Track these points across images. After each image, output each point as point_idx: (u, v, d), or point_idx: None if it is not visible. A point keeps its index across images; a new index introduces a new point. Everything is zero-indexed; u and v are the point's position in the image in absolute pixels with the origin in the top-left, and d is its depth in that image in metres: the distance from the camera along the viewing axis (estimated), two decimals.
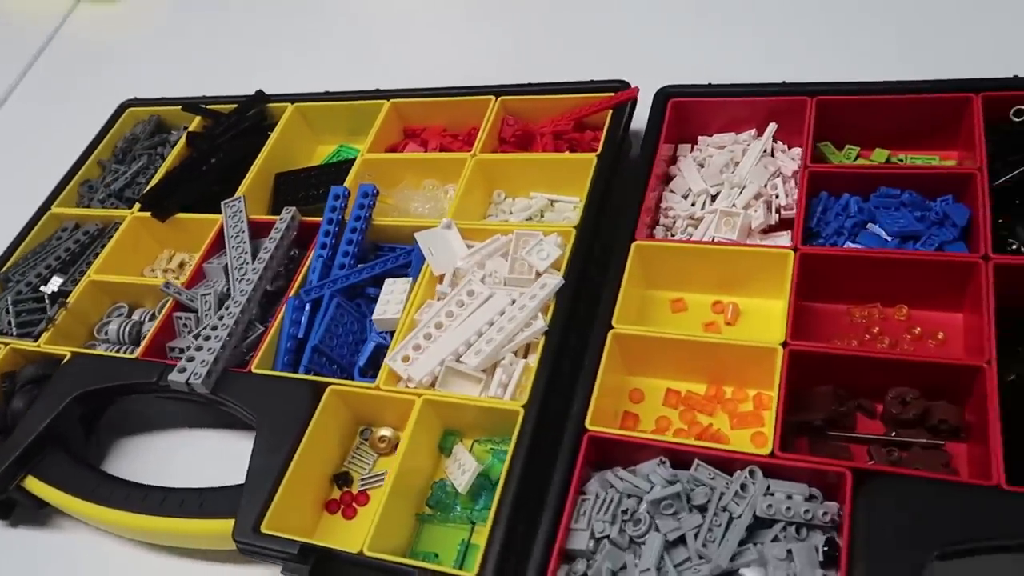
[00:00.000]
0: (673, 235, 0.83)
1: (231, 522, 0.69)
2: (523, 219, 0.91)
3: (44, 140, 1.36)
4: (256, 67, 1.30)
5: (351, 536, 0.68)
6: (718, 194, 0.84)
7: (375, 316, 0.81)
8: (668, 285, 0.81)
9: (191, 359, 0.79)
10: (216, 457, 0.84)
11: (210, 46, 1.43)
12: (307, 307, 0.83)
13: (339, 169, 1.00)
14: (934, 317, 0.72)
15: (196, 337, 0.83)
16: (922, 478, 0.57)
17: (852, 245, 0.75)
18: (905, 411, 0.65)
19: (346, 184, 0.93)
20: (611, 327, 0.72)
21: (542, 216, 0.91)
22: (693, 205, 0.84)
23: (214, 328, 0.82)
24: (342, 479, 0.76)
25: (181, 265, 1.03)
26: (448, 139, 1.01)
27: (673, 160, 0.90)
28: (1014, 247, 0.68)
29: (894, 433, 0.66)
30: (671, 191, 0.86)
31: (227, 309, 0.83)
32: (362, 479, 0.77)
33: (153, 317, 0.95)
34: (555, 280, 0.76)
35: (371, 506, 0.74)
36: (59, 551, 0.83)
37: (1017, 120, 0.75)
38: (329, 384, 0.76)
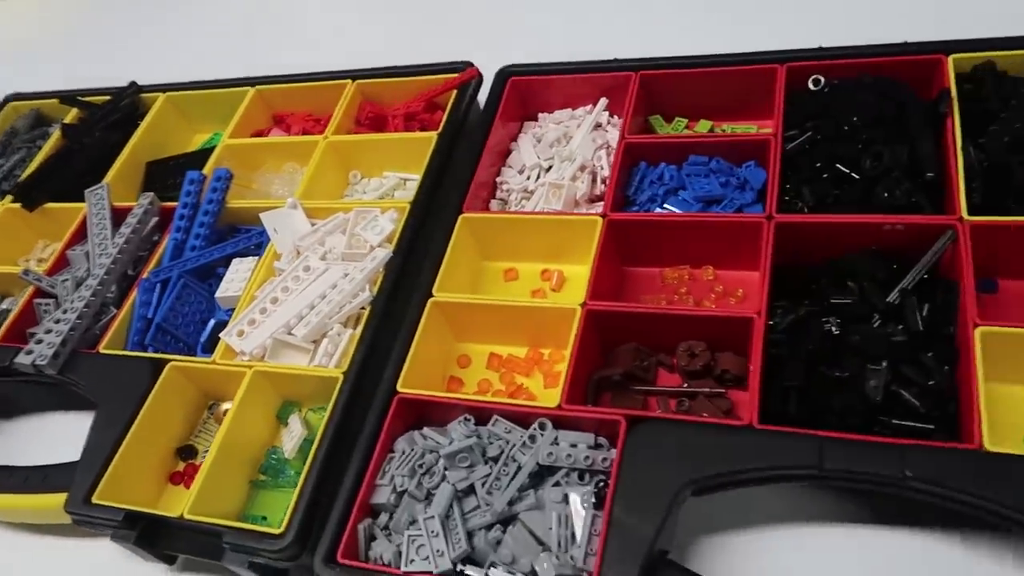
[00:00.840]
0: (509, 208, 0.87)
1: (59, 496, 0.72)
2: (376, 197, 0.94)
3: None
4: (134, 58, 1.32)
5: (183, 506, 0.71)
6: (551, 167, 0.87)
7: (218, 294, 0.83)
8: (500, 256, 0.84)
9: (39, 341, 0.82)
10: (73, 438, 0.87)
11: (90, 38, 1.45)
12: (157, 288, 0.86)
13: (204, 156, 1.03)
14: (736, 276, 0.77)
15: (56, 321, 0.85)
16: (680, 421, 0.62)
17: (661, 210, 0.79)
18: (693, 363, 0.69)
19: (206, 169, 0.96)
20: (431, 295, 0.76)
21: (393, 194, 0.94)
22: (527, 178, 0.88)
23: (64, 312, 0.84)
24: (186, 452, 0.79)
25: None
26: (311, 123, 1.04)
27: (516, 137, 0.93)
28: (799, 206, 0.73)
29: (686, 384, 0.70)
30: (508, 166, 0.90)
31: (78, 293, 0.86)
32: (205, 451, 0.79)
33: None
34: (383, 253, 0.79)
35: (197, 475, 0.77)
36: None
37: (815, 88, 0.79)
38: (170, 361, 0.78)
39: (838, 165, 0.73)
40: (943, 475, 0.53)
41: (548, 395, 0.73)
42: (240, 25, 1.37)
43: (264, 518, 0.73)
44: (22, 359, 0.80)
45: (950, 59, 0.75)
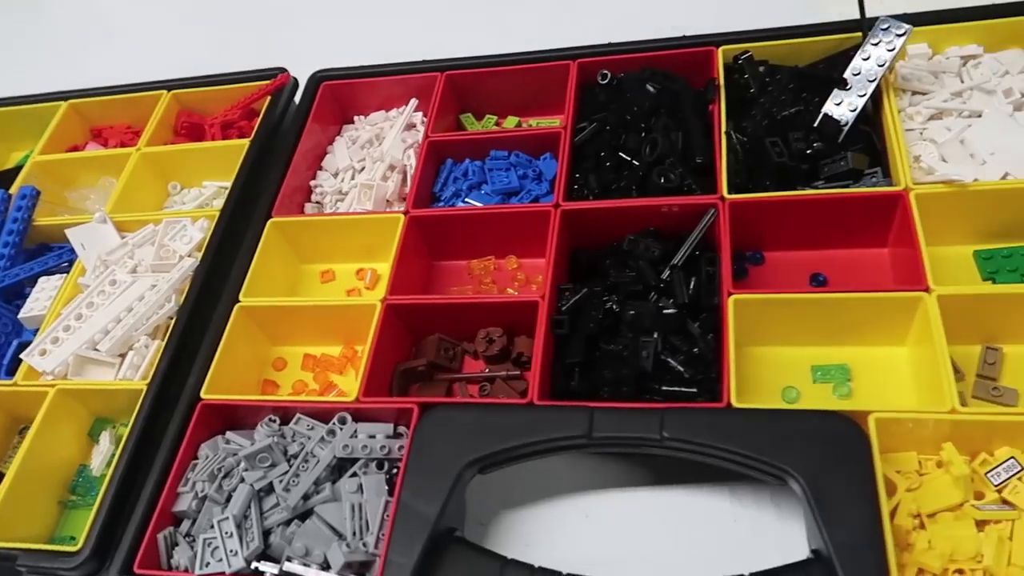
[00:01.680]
0: (324, 211, 0.88)
1: None
2: (196, 207, 0.93)
3: None
4: None
5: None
6: (364, 168, 0.89)
7: (21, 314, 0.81)
8: (317, 258, 0.86)
9: None
10: None
11: None
12: None
13: (15, 174, 0.99)
14: (537, 264, 0.80)
15: None
16: (465, 404, 0.65)
17: (463, 205, 0.81)
18: (491, 348, 0.72)
19: (13, 188, 0.93)
20: (238, 301, 0.76)
21: (213, 203, 0.94)
22: (342, 181, 0.89)
23: None
24: None
25: None
26: (130, 136, 1.02)
27: (332, 141, 0.95)
28: (586, 194, 0.77)
29: (487, 370, 0.73)
30: (323, 169, 0.91)
31: None
32: None
33: None
34: (189, 262, 0.79)
35: None
36: None
37: (603, 82, 0.84)
38: None
39: (621, 154, 0.78)
40: (695, 432, 0.58)
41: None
42: (49, 38, 1.32)
43: (73, 538, 0.71)
44: None
45: (720, 51, 0.81)
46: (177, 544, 0.64)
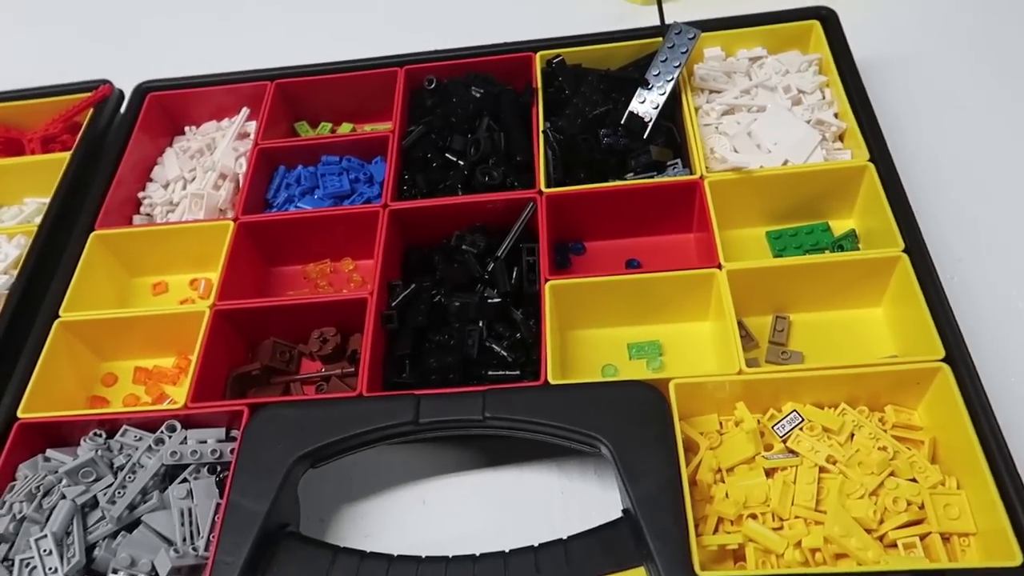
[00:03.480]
0: (155, 222, 0.87)
1: None
2: (16, 225, 0.89)
3: None
4: None
5: None
6: (195, 179, 0.88)
7: None
8: (148, 271, 0.84)
9: None
10: None
11: None
12: None
13: None
14: (371, 264, 0.82)
15: None
16: (294, 402, 0.66)
17: (294, 209, 0.82)
18: (325, 348, 0.73)
19: None
20: (58, 316, 0.74)
21: (35, 220, 0.90)
22: (172, 191, 0.88)
23: None
24: None
25: None
26: None
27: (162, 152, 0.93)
28: (414, 193, 0.79)
29: (323, 369, 0.74)
30: (152, 180, 0.90)
31: None
32: None
33: None
34: (3, 280, 0.76)
35: None
36: None
37: (429, 87, 0.87)
38: None
39: (447, 155, 0.81)
40: (514, 410, 0.61)
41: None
42: None
43: None
44: None
45: (537, 56, 0.86)
46: None
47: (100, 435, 0.67)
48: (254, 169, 0.83)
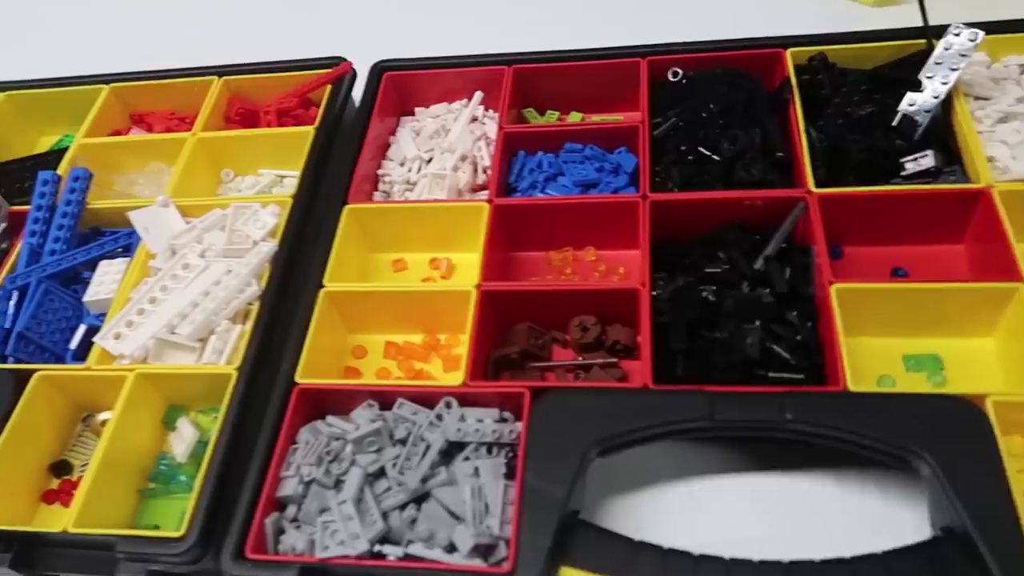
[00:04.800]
0: (394, 199, 0.88)
1: None
2: (253, 194, 0.91)
3: None
4: None
5: (64, 522, 0.67)
6: (431, 159, 0.89)
7: (86, 298, 0.79)
8: (388, 247, 0.85)
9: None
10: None
11: None
12: (14, 295, 0.79)
13: (57, 158, 0.96)
14: (616, 255, 0.81)
15: None
16: (580, 388, 0.65)
17: (543, 195, 0.82)
18: (586, 336, 0.73)
19: (60, 170, 0.90)
20: (322, 286, 0.75)
21: (271, 191, 0.93)
22: (409, 170, 0.89)
23: None
24: (59, 468, 0.74)
25: None
26: (176, 122, 1.00)
27: (394, 132, 0.94)
28: (669, 186, 0.78)
29: (580, 358, 0.74)
30: (389, 159, 0.91)
31: None
32: (83, 465, 0.75)
33: None
34: (268, 246, 0.78)
35: (79, 488, 0.72)
36: None
37: (674, 79, 0.86)
38: (36, 370, 0.73)
39: (700, 148, 0.80)
40: (817, 415, 0.59)
41: (450, 377, 0.74)
42: (88, 19, 1.28)
43: (157, 527, 0.69)
44: None
45: (788, 52, 0.84)
46: (283, 531, 0.63)
47: (373, 405, 0.68)
48: (502, 154, 0.83)
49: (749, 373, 0.66)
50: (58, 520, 0.70)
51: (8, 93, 1.03)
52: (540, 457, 0.61)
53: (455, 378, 0.67)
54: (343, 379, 0.76)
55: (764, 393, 0.61)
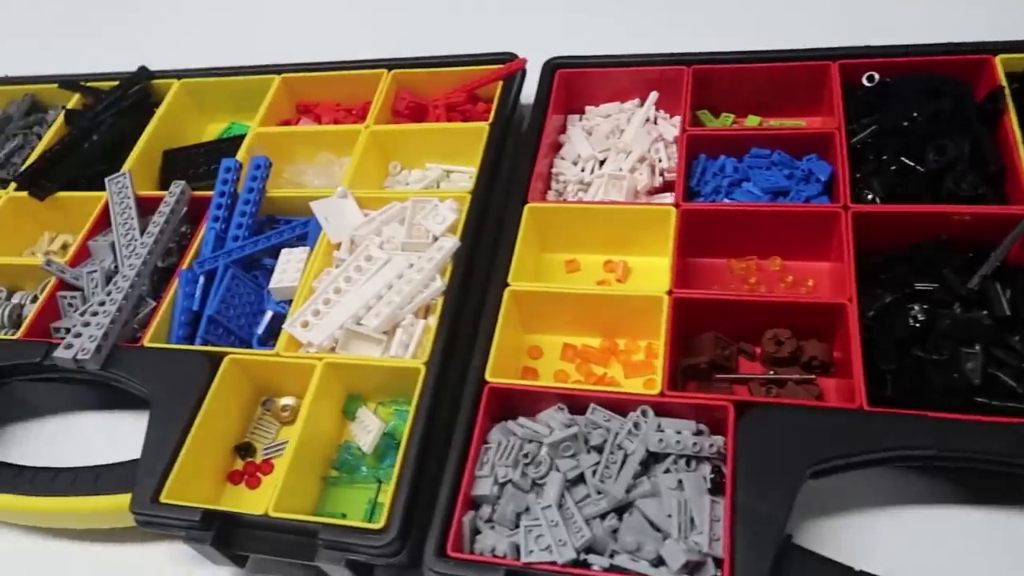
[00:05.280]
0: (566, 199, 0.86)
1: (127, 496, 0.68)
2: (421, 188, 0.92)
3: None
4: (137, 42, 1.26)
5: (256, 503, 0.68)
6: (605, 160, 0.87)
7: (272, 284, 0.80)
8: (561, 247, 0.84)
9: (78, 335, 0.77)
10: (107, 439, 0.82)
11: (84, 20, 1.37)
12: (201, 279, 0.82)
13: (230, 145, 0.99)
14: (804, 266, 0.78)
15: (83, 314, 0.81)
16: (794, 405, 0.63)
17: (729, 201, 0.80)
18: (780, 350, 0.70)
19: (237, 158, 0.92)
20: (507, 284, 0.74)
21: (438, 187, 0.93)
22: (583, 170, 0.87)
23: (102, 304, 0.79)
24: (245, 450, 0.76)
25: (64, 247, 0.99)
26: (342, 114, 1.01)
27: (563, 130, 0.93)
28: (870, 197, 0.75)
29: (772, 372, 0.71)
30: (561, 158, 0.90)
31: (115, 284, 0.81)
32: (265, 448, 0.76)
33: (35, 299, 0.91)
34: (451, 242, 0.78)
35: (275, 472, 0.73)
36: None
37: (869, 84, 0.82)
38: (227, 353, 0.75)
39: (902, 158, 0.76)
40: None
41: (632, 384, 0.73)
42: (256, 9, 1.32)
43: (343, 515, 0.70)
44: (62, 353, 0.75)
45: (998, 59, 0.79)
46: (479, 531, 0.62)
47: (563, 409, 0.67)
48: (685, 157, 0.81)
49: (969, 399, 0.62)
50: (244, 500, 0.73)
51: (183, 81, 1.06)
52: (752, 474, 0.58)
53: (637, 385, 0.66)
54: (522, 379, 0.75)
55: (999, 424, 0.57)
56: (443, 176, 0.93)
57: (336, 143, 0.95)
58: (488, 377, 0.68)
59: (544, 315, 0.77)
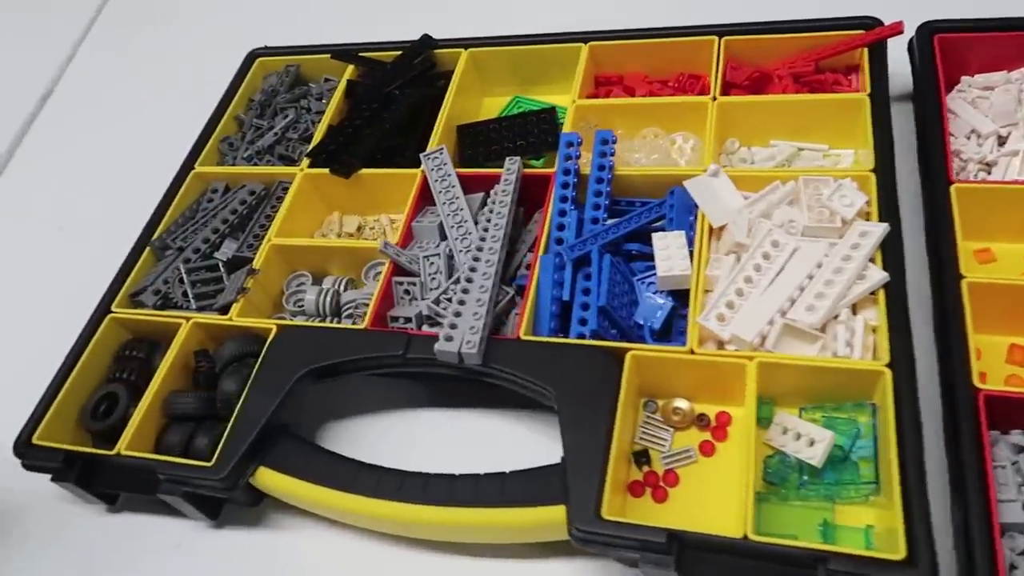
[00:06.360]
0: (968, 179, 0.76)
1: (555, 509, 0.60)
2: (770, 168, 0.82)
3: (166, 92, 1.22)
4: (393, 7, 1.18)
5: (678, 520, 0.60)
6: (1007, 136, 0.77)
7: (661, 273, 0.71)
8: (972, 234, 0.73)
9: (454, 326, 0.69)
10: (445, 439, 0.75)
11: None
12: (568, 266, 0.73)
13: (527, 121, 0.90)
14: None
15: (437, 303, 0.73)
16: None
17: None
18: None
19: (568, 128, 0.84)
20: (962, 276, 0.65)
21: (790, 165, 0.83)
22: (980, 147, 0.77)
23: (465, 291, 0.72)
24: (642, 457, 0.67)
25: (359, 228, 0.92)
26: (657, 86, 0.92)
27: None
28: None
29: None
30: (952, 135, 0.79)
31: (475, 271, 0.73)
32: (664, 457, 0.68)
33: (349, 285, 0.84)
34: (879, 228, 0.68)
35: (684, 486, 0.65)
36: (286, 554, 0.72)
37: None
38: (628, 350, 0.66)
39: None
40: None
41: None
42: None
43: (795, 536, 0.61)
44: (444, 347, 0.67)
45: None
46: (1016, 566, 0.53)
47: None
48: None
49: None
50: (654, 515, 0.64)
51: (471, 51, 0.98)
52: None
53: None
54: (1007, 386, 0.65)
55: None
56: (794, 154, 0.84)
57: (666, 118, 0.87)
58: (977, 383, 0.59)
59: (990, 312, 0.67)
